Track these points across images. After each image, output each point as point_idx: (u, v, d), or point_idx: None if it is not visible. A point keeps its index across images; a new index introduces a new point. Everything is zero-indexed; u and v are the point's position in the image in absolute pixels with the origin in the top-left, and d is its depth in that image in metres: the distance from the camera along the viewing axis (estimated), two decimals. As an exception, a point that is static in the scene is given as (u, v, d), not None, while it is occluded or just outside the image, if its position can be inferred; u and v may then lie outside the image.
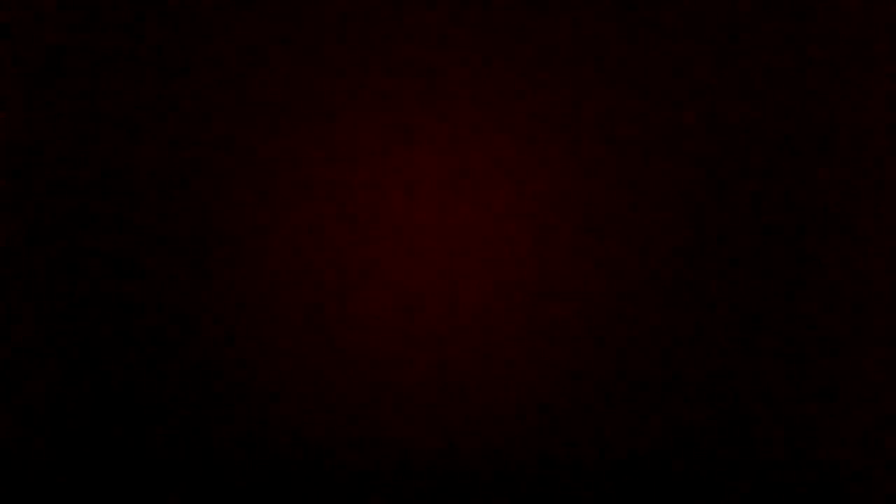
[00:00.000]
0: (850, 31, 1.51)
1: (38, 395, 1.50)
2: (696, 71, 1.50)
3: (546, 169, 1.50)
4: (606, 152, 1.50)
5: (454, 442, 1.50)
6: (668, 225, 1.50)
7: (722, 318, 1.50)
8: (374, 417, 1.50)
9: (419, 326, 1.50)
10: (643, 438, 1.50)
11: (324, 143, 1.51)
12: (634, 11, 1.50)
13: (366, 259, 1.50)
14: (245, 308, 1.50)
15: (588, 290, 1.50)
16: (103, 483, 1.50)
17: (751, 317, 1.50)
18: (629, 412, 1.50)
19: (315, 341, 1.50)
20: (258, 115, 1.51)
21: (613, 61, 1.50)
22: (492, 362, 1.50)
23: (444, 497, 1.50)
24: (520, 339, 1.50)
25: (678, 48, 1.50)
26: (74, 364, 1.50)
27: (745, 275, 1.50)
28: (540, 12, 1.50)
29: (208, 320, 1.50)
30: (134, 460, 1.50)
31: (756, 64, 1.50)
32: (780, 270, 1.50)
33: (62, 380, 1.50)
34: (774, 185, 1.50)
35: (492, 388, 1.50)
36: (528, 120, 1.50)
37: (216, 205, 1.50)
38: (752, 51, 1.50)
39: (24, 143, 1.51)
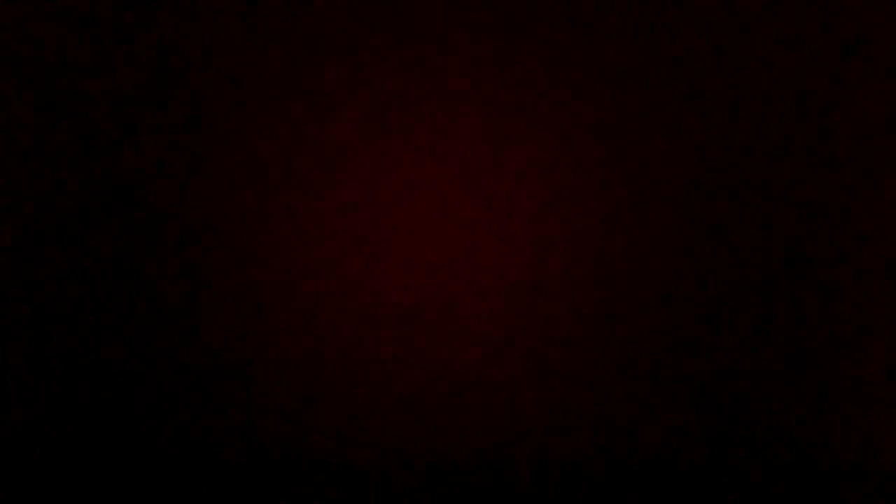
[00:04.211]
0: (851, 31, 1.51)
1: (38, 395, 1.50)
2: (697, 71, 1.50)
3: (546, 169, 1.50)
4: (607, 152, 1.50)
5: (454, 442, 1.50)
6: (668, 225, 1.50)
7: (722, 318, 1.50)
8: (374, 418, 1.50)
9: (419, 327, 1.50)
10: (643, 438, 1.50)
11: (323, 144, 1.51)
12: (634, 11, 1.50)
13: (365, 259, 1.50)
14: (244, 308, 1.50)
15: (588, 290, 1.50)
16: (103, 483, 1.50)
17: (751, 317, 1.50)
18: (629, 412, 1.50)
19: (315, 342, 1.50)
20: (257, 114, 1.51)
21: (614, 62, 1.50)
22: (491, 363, 1.50)
23: (444, 497, 1.50)
24: (519, 340, 1.50)
25: (678, 48, 1.50)
26: (74, 364, 1.50)
27: (745, 275, 1.50)
28: (540, 13, 1.50)
29: (208, 320, 1.50)
30: (134, 460, 1.50)
31: (757, 64, 1.51)
32: (780, 270, 1.50)
33: (61, 380, 1.50)
34: (774, 185, 1.51)
35: (491, 389, 1.51)
36: (527, 121, 1.50)
37: (216, 205, 1.50)
38: (753, 51, 1.50)
39: (24, 143, 1.51)
